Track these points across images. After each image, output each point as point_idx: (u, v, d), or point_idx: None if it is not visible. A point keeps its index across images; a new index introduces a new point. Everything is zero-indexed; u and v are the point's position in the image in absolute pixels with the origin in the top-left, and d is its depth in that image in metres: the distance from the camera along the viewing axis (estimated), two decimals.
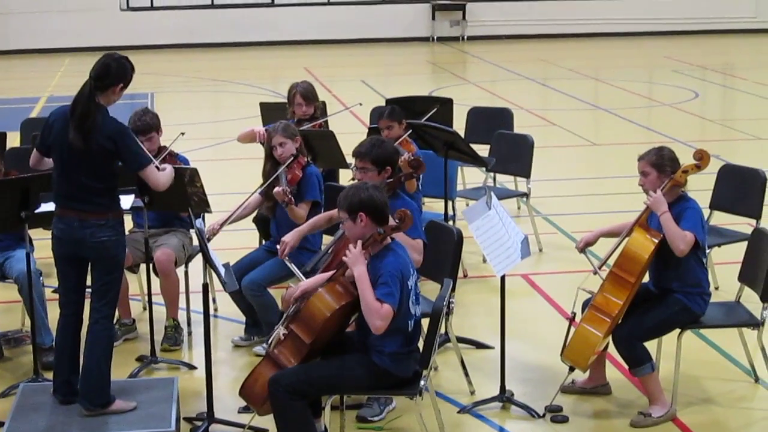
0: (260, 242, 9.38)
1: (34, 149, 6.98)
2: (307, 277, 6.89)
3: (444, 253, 7.48)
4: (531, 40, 28.70)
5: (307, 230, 7.91)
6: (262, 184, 8.45)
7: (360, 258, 6.22)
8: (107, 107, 6.73)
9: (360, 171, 7.41)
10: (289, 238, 7.77)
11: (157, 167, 6.95)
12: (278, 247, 7.76)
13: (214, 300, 9.09)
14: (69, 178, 6.71)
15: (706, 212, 8.12)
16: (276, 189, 8.13)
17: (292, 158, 8.32)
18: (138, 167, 6.79)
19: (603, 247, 7.45)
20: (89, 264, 6.87)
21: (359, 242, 6.27)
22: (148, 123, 8.51)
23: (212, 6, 28.46)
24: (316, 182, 8.45)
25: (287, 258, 7.65)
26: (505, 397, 7.33)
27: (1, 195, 7.49)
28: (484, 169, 11.19)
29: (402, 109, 9.75)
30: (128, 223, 8.92)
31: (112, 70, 6.71)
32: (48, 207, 7.57)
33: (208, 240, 7.98)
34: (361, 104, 9.96)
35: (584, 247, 7.46)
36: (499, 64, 24.73)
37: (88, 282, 6.96)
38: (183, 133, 8.59)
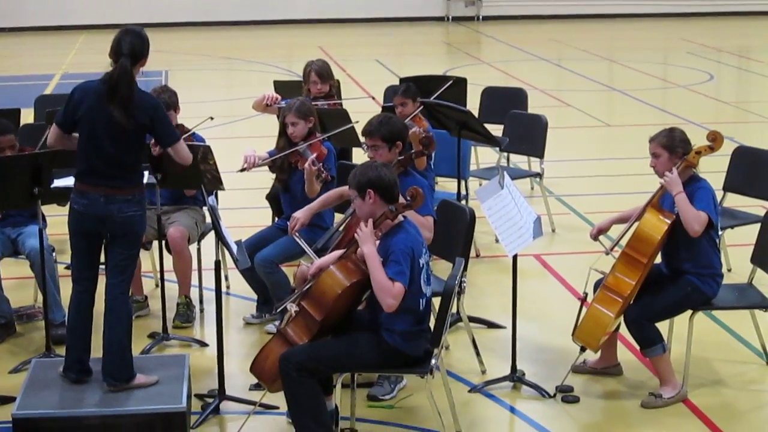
0: (273, 220, 9.38)
1: (54, 126, 6.79)
2: (318, 255, 6.88)
3: (456, 232, 7.47)
4: (546, 21, 28.63)
5: (318, 207, 7.90)
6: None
7: (370, 237, 6.22)
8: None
9: (371, 149, 7.41)
10: (300, 214, 7.78)
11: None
12: (289, 223, 7.75)
13: (226, 277, 9.11)
14: (99, 154, 6.63)
15: (719, 194, 8.09)
16: (307, 166, 8.09)
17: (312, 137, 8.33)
18: (171, 142, 6.78)
19: (616, 229, 7.44)
20: (106, 240, 6.83)
21: (370, 221, 6.27)
22: (165, 101, 8.49)
23: None
24: (333, 158, 8.48)
25: (296, 234, 7.64)
26: (516, 377, 7.33)
27: (14, 171, 7.50)
28: (497, 149, 11.18)
29: (416, 87, 9.73)
30: None
31: (140, 44, 6.68)
32: (63, 183, 7.58)
33: (243, 171, 7.99)
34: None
35: (598, 235, 7.44)
36: (514, 45, 24.67)
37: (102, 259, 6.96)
38: (212, 118, 8.61)
